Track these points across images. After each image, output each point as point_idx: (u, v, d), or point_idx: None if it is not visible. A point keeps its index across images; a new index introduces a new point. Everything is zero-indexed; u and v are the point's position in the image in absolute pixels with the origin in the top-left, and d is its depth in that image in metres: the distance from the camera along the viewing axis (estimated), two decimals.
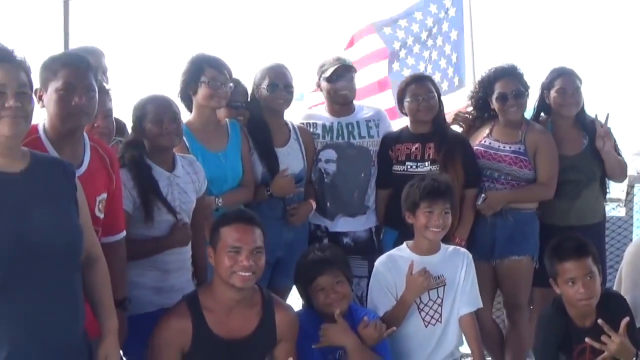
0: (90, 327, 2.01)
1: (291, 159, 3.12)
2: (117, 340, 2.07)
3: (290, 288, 3.17)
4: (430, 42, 4.83)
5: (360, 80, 4.13)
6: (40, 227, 1.81)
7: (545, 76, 3.25)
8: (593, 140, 3.17)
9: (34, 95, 2.04)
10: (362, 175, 3.23)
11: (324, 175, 3.24)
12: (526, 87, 3.17)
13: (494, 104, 3.15)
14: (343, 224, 3.23)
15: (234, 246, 2.27)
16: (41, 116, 2.22)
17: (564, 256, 2.50)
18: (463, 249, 2.84)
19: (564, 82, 3.16)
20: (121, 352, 2.35)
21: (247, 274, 2.26)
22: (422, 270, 2.64)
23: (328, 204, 3.23)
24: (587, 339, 2.37)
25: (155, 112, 2.57)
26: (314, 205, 3.26)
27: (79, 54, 2.37)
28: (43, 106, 2.20)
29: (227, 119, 3.06)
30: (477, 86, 3.32)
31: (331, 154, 3.24)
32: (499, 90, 3.12)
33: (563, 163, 3.14)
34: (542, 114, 3.33)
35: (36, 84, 2.12)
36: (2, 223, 1.76)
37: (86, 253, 1.99)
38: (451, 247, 2.82)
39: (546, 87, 3.23)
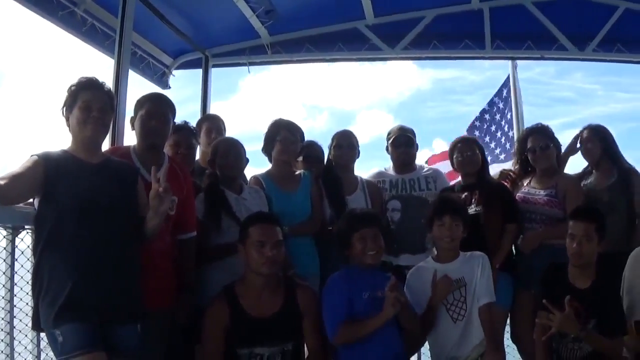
0: (154, 298, 2.48)
1: (356, 204, 3.60)
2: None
3: None
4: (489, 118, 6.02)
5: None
6: (105, 196, 2.28)
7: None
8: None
9: (129, 123, 2.78)
10: (422, 221, 3.54)
11: (390, 223, 3.75)
12: (553, 141, 3.66)
13: (529, 156, 3.65)
14: (405, 260, 3.65)
15: (259, 240, 2.69)
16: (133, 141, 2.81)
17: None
18: (479, 253, 3.03)
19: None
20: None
21: (271, 262, 2.66)
22: (443, 277, 2.93)
23: (395, 245, 3.69)
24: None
25: (223, 150, 3.26)
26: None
27: (162, 94, 2.95)
28: (134, 129, 2.79)
29: (302, 170, 3.66)
30: (517, 144, 3.88)
31: (396, 204, 3.81)
32: (530, 144, 3.67)
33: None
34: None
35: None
36: (76, 189, 2.23)
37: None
38: (468, 253, 3.02)
39: None
